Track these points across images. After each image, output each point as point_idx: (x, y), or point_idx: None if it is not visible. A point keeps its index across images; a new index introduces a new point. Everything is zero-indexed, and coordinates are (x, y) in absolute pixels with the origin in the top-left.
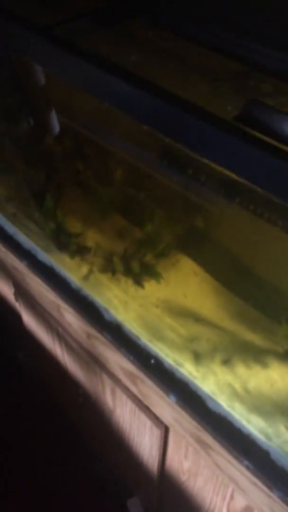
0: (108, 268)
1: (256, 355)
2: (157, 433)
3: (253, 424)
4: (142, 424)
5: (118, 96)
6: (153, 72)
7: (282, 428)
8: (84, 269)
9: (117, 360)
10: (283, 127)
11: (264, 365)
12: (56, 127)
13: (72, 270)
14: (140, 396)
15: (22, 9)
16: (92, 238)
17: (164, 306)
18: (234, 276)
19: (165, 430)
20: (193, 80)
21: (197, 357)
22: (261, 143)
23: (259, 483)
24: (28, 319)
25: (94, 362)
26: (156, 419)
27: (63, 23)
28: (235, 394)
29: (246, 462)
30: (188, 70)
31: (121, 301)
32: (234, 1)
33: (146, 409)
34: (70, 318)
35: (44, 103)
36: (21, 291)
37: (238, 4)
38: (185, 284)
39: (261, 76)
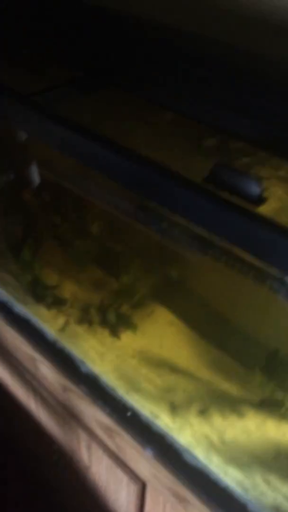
0: (85, 319)
1: (232, 405)
2: (134, 489)
3: (230, 476)
4: (118, 480)
5: (97, 160)
6: (126, 135)
7: (259, 479)
8: (61, 321)
9: (93, 414)
10: (246, 187)
11: (240, 415)
12: (36, 179)
13: (48, 322)
14: (116, 451)
15: (5, 79)
16: (69, 289)
17: (140, 356)
18: (208, 326)
19: (142, 486)
20: (163, 141)
21: (174, 408)
22: (227, 203)
23: None
24: (2, 372)
25: (69, 416)
26: (133, 475)
27: (43, 91)
28: (212, 446)
29: None
30: (159, 133)
31: (97, 353)
32: (202, 75)
33: (123, 464)
34: (46, 371)
35: (24, 157)
36: None
37: (205, 78)
38: (161, 334)
39: (224, 137)
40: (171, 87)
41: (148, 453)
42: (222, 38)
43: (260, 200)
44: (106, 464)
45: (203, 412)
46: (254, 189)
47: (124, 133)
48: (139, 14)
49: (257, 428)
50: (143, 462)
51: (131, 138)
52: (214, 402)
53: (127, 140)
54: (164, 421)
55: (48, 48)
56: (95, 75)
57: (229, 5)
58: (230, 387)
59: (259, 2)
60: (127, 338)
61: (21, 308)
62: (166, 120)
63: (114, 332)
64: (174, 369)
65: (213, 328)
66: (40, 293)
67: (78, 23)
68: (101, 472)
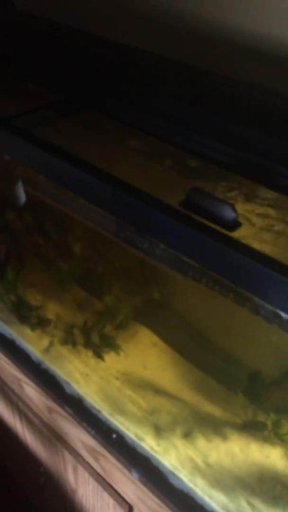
0: (69, 340)
1: (215, 427)
2: None
3: (215, 500)
4: (105, 503)
5: (76, 183)
6: (107, 158)
7: (243, 502)
8: (45, 342)
9: (78, 435)
10: (221, 212)
11: (224, 437)
12: (21, 198)
13: (33, 343)
14: (102, 473)
15: None
16: (52, 310)
17: (124, 378)
18: (191, 347)
19: (129, 509)
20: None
21: (158, 430)
22: (202, 227)
23: None
24: None
25: (55, 438)
26: (119, 498)
27: (23, 114)
28: (196, 469)
29: None
30: (140, 155)
31: (82, 374)
32: (181, 99)
33: (109, 487)
34: (31, 391)
35: (9, 175)
36: None
37: (186, 102)
38: (144, 355)
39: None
40: (151, 109)
41: (134, 476)
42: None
43: (234, 225)
44: (93, 486)
45: (187, 435)
46: (229, 213)
47: (102, 155)
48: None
49: (240, 451)
50: (129, 484)
51: (107, 160)
52: (198, 424)
53: (104, 162)
54: (149, 443)
55: (29, 71)
56: (77, 98)
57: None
58: (213, 409)
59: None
60: (110, 359)
61: (6, 328)
62: (144, 142)
63: (98, 353)
64: (157, 390)
65: (196, 349)
66: (24, 314)
67: (60, 46)
68: (88, 495)
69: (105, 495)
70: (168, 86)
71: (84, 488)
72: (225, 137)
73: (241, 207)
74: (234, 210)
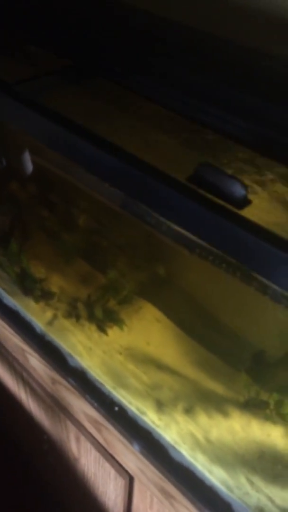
0: (72, 313)
1: (217, 404)
2: (121, 482)
3: (215, 475)
4: (106, 473)
5: (80, 155)
6: (113, 129)
7: (243, 479)
8: (49, 314)
9: (81, 407)
10: (231, 189)
11: (226, 414)
12: (29, 168)
13: (36, 315)
14: (104, 444)
15: None
16: (56, 283)
17: (127, 353)
18: (196, 324)
19: (130, 480)
20: (151, 134)
21: (160, 405)
22: (210, 204)
23: None
24: None
25: (58, 408)
26: (120, 468)
27: (28, 80)
28: (197, 444)
29: None
30: (149, 126)
31: (85, 347)
32: (188, 66)
33: (111, 458)
34: (35, 362)
35: (16, 144)
36: None
37: (194, 69)
38: (148, 331)
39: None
40: (163, 79)
41: (135, 448)
42: (223, 33)
43: (244, 202)
44: (94, 456)
45: (188, 411)
46: (238, 190)
47: (109, 125)
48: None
49: (242, 429)
50: (130, 456)
51: (115, 131)
52: (199, 401)
53: (112, 133)
54: (150, 417)
55: (36, 36)
56: (85, 64)
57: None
58: (215, 387)
59: None
60: (114, 333)
61: (10, 300)
62: (154, 113)
63: (101, 327)
64: (160, 366)
65: (200, 327)
66: (28, 286)
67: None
68: (90, 464)
69: (107, 465)
70: (181, 54)
71: (86, 458)
72: (240, 109)
73: (251, 183)
74: (244, 187)
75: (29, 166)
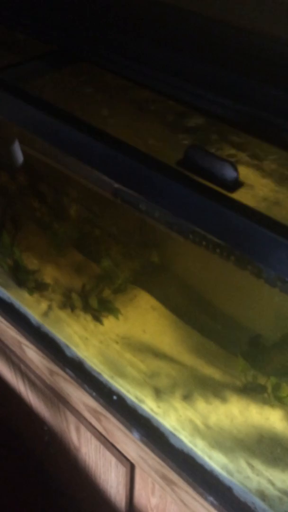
0: (67, 304)
1: (215, 390)
2: (122, 470)
3: (215, 460)
4: (107, 461)
5: (66, 141)
6: (100, 114)
7: (243, 463)
8: (44, 306)
9: (80, 397)
10: (222, 171)
11: (224, 399)
12: (19, 159)
13: (31, 307)
14: (104, 433)
15: None
16: (50, 274)
17: (123, 342)
18: (191, 310)
19: (131, 467)
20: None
21: (158, 393)
22: (200, 187)
23: None
24: None
25: (57, 399)
26: (121, 456)
27: (11, 66)
28: (196, 430)
29: (210, 498)
30: (136, 109)
31: (81, 338)
32: (174, 48)
33: (111, 446)
34: (32, 354)
35: (5, 134)
36: None
37: (179, 50)
38: (144, 319)
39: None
40: (149, 62)
41: (135, 436)
42: (210, 13)
43: (235, 185)
44: (95, 445)
45: (186, 397)
46: (230, 173)
47: (94, 111)
48: None
49: (240, 413)
50: (131, 444)
51: (102, 116)
52: (197, 387)
53: (98, 118)
54: (149, 405)
55: (20, 21)
56: (68, 49)
57: None
58: (213, 372)
59: None
60: (109, 323)
61: (4, 292)
62: (141, 97)
63: (97, 317)
64: (157, 354)
65: (196, 313)
66: (22, 278)
67: None
68: (91, 453)
69: (107, 454)
70: (167, 36)
71: (87, 447)
72: (227, 89)
73: (243, 166)
74: (235, 169)
75: (20, 157)
